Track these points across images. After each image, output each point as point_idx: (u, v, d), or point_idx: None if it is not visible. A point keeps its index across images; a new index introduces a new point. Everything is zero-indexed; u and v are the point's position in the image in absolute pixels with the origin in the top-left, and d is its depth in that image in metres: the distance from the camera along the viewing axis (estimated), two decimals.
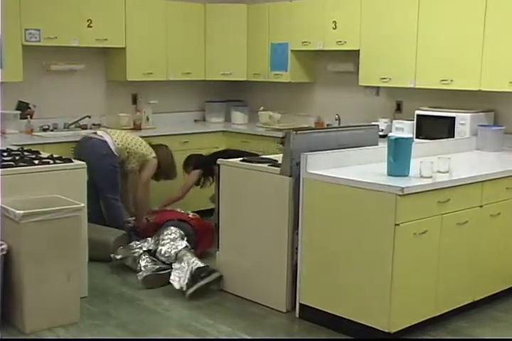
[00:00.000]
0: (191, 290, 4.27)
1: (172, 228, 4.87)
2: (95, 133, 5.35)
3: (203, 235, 5.11)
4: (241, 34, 6.65)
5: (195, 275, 4.33)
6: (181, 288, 4.30)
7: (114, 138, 5.23)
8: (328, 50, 6.01)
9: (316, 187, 3.83)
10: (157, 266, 4.56)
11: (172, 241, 4.71)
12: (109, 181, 5.21)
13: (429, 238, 3.68)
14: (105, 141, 5.19)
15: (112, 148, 5.18)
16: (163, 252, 4.64)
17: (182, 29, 6.45)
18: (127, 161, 5.29)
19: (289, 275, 4.04)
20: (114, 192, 5.25)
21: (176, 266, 4.45)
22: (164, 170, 5.52)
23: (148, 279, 4.46)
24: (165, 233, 4.80)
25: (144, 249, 4.74)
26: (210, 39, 6.65)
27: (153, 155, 5.41)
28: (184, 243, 4.68)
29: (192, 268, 4.35)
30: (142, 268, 4.55)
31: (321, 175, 3.80)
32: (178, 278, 4.35)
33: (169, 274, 4.41)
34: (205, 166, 5.47)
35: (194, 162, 5.66)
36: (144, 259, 4.64)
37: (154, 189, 5.56)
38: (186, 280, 4.31)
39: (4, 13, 5.05)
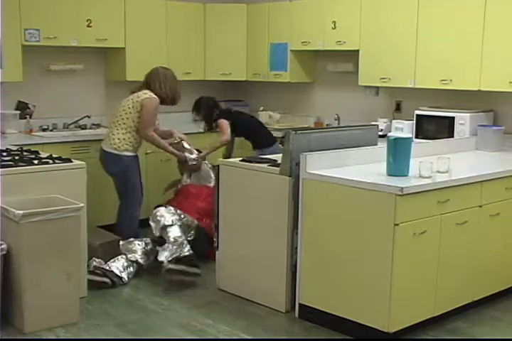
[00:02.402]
0: (171, 266, 4.39)
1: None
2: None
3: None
4: (241, 34, 6.65)
5: (181, 259, 4.43)
6: (162, 262, 4.45)
7: (108, 142, 5.01)
8: (328, 50, 6.01)
9: (315, 187, 3.83)
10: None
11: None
12: (120, 188, 5.11)
13: (429, 238, 3.68)
14: (105, 151, 5.04)
15: (114, 151, 4.99)
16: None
17: (182, 29, 6.45)
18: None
19: (288, 275, 4.04)
20: (125, 200, 5.11)
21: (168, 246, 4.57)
22: (170, 98, 5.18)
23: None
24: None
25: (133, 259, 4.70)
26: (209, 39, 6.65)
27: (144, 97, 4.98)
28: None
29: (182, 252, 4.49)
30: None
31: (321, 175, 3.80)
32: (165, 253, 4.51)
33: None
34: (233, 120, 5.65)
35: (219, 113, 5.72)
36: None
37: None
38: (170, 258, 4.45)
39: (4, 13, 5.06)
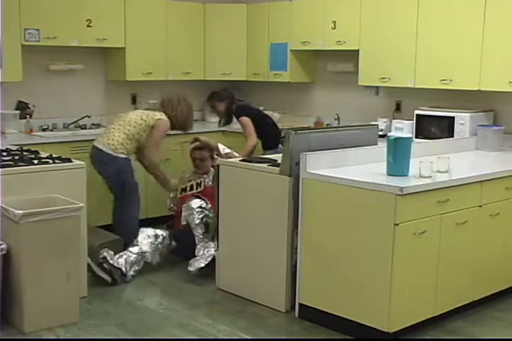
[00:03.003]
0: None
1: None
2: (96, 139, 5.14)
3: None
4: (241, 34, 6.65)
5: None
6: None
7: (106, 141, 4.95)
8: (328, 49, 6.01)
9: (315, 187, 3.83)
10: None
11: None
12: (117, 190, 5.10)
13: (429, 238, 3.68)
14: (101, 150, 4.96)
15: (110, 151, 4.94)
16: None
17: (182, 29, 6.45)
18: (140, 142, 5.05)
19: (288, 275, 4.04)
20: (124, 201, 5.09)
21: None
22: (180, 125, 5.23)
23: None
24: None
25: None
26: (209, 39, 6.65)
27: (157, 117, 5.03)
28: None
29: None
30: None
31: (321, 175, 3.79)
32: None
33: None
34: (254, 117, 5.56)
35: (239, 109, 5.66)
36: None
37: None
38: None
39: (4, 13, 5.05)
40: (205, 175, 5.13)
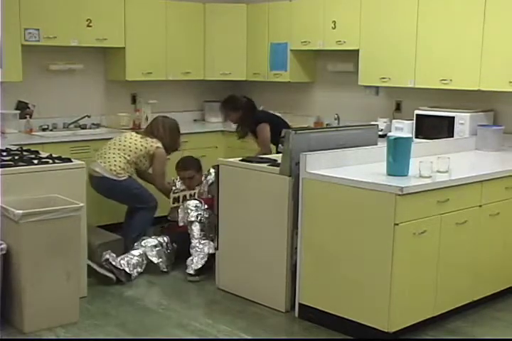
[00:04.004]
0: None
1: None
2: (94, 161, 5.05)
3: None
4: (240, 34, 6.64)
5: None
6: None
7: (108, 167, 4.96)
8: (328, 49, 6.01)
9: (315, 187, 3.83)
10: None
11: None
12: (132, 204, 5.16)
13: (429, 238, 3.68)
14: (104, 177, 4.96)
15: (113, 177, 4.96)
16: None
17: (181, 29, 6.45)
18: (138, 166, 5.14)
19: (288, 274, 4.04)
20: (143, 207, 5.13)
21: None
22: (171, 147, 5.29)
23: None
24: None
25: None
26: (209, 39, 6.65)
27: (156, 145, 5.12)
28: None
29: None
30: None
31: (321, 175, 3.79)
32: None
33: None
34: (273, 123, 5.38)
35: (259, 115, 5.48)
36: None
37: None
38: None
39: (4, 13, 5.05)
40: (196, 187, 5.20)
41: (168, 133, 5.24)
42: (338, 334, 3.80)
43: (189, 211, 4.76)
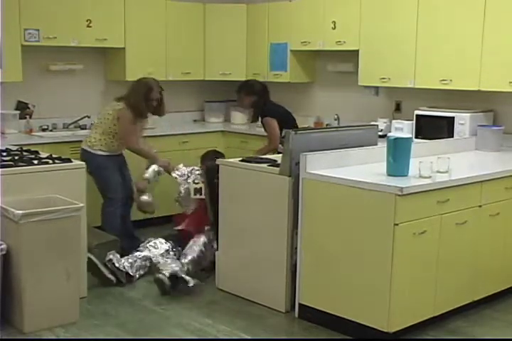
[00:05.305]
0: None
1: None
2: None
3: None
4: (240, 34, 6.65)
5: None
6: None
7: (86, 140, 5.05)
8: (328, 50, 6.01)
9: (315, 187, 3.83)
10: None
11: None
12: (99, 186, 5.10)
13: (429, 238, 3.68)
14: (82, 149, 5.04)
15: (88, 149, 4.99)
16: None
17: (181, 29, 6.45)
18: (117, 134, 5.02)
19: (288, 275, 4.04)
20: (105, 198, 5.10)
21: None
22: (134, 110, 4.99)
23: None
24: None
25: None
26: (209, 39, 6.65)
27: (118, 107, 4.98)
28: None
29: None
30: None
31: (321, 175, 3.80)
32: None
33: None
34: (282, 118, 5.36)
35: (269, 108, 5.43)
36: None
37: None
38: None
39: (4, 13, 5.06)
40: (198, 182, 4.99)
41: (130, 93, 5.06)
42: (337, 334, 3.80)
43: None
